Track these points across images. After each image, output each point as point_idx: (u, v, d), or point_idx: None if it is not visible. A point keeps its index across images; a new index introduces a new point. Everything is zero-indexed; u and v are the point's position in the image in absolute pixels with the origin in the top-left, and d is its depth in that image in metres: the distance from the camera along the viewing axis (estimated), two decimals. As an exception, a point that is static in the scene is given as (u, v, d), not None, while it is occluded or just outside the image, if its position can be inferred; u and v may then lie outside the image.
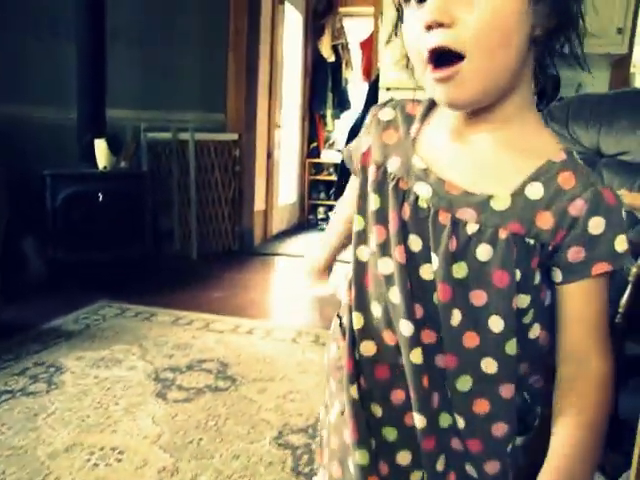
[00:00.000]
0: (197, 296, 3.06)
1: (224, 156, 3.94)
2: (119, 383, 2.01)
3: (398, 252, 0.65)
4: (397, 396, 0.70)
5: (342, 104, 5.95)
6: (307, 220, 5.96)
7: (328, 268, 0.86)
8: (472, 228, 0.62)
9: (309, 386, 2.04)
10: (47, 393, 1.92)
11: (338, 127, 6.03)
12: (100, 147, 3.10)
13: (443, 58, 0.57)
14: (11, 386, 1.95)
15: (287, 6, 4.97)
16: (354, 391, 0.70)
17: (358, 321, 0.70)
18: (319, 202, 6.03)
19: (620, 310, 1.61)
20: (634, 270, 1.59)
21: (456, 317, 0.64)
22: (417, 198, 0.64)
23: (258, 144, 4.36)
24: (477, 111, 0.63)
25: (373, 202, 0.67)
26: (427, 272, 0.64)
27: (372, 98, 3.79)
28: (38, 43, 3.49)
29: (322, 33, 5.77)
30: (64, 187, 2.96)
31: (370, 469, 0.70)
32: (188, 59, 3.89)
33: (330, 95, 5.89)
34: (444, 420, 0.68)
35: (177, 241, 3.76)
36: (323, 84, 5.87)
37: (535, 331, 0.66)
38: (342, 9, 5.77)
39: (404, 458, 0.70)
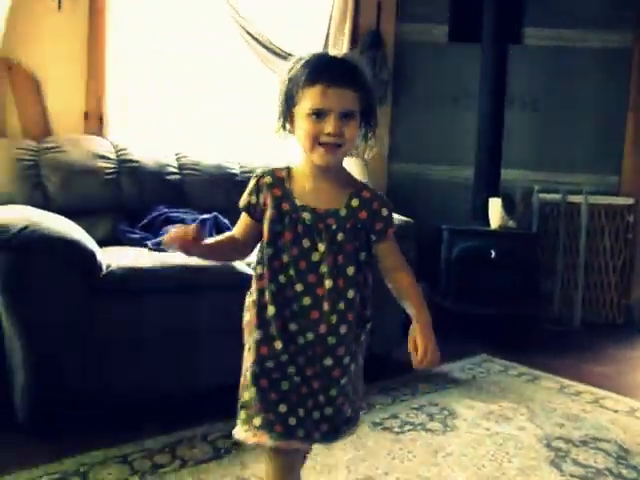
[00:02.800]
0: (579, 366, 2.89)
1: (616, 221, 3.69)
2: (510, 441, 2.02)
3: (294, 249, 1.21)
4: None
5: None
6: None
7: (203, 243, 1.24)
8: (334, 226, 1.21)
9: None
10: (443, 433, 2.04)
11: None
12: (494, 206, 3.24)
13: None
14: (412, 419, 2.14)
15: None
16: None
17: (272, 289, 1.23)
18: None
19: None
20: None
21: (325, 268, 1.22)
22: (304, 220, 1.21)
23: (655, 210, 3.96)
24: (325, 172, 1.23)
25: (277, 225, 1.23)
26: (316, 256, 1.21)
27: None
28: (441, 110, 3.86)
29: None
30: (460, 241, 3.17)
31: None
32: (583, 121, 3.80)
33: None
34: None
35: (557, 305, 3.64)
36: None
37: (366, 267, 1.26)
38: None
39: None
